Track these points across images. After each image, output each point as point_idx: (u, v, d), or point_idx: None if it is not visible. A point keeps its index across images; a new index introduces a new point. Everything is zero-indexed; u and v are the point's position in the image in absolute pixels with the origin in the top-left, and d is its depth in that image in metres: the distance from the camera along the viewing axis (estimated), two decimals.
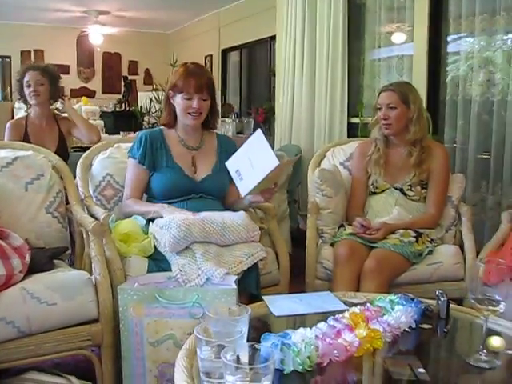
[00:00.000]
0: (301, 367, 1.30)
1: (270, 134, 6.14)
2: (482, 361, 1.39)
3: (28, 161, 2.34)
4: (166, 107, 2.37)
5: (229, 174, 2.20)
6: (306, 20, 4.49)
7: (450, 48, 3.73)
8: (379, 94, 2.61)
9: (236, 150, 2.40)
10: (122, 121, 7.47)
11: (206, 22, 8.65)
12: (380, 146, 2.63)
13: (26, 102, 3.20)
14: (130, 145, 2.65)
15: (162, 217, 2.15)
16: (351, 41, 4.27)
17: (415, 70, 3.78)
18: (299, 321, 1.71)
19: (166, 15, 8.61)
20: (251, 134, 2.20)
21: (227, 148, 2.42)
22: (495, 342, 1.55)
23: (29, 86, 3.12)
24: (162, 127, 2.42)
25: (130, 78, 9.37)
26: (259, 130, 2.12)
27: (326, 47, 4.30)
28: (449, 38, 3.71)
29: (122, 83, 9.40)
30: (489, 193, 3.50)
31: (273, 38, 6.87)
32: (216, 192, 2.32)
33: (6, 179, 2.27)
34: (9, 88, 8.94)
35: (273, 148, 4.93)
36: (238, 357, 1.11)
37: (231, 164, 2.16)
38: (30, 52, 9.34)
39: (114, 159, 2.55)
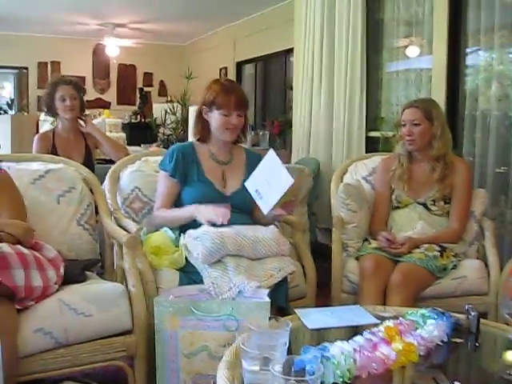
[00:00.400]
0: (341, 379, 1.34)
1: (285, 147, 6.19)
2: None
3: (60, 173, 2.40)
4: (199, 122, 2.41)
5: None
6: (325, 33, 4.53)
7: (469, 62, 3.75)
8: (403, 110, 2.65)
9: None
10: (138, 132, 7.58)
11: (221, 35, 8.75)
12: (403, 161, 2.67)
13: (53, 114, 3.26)
14: (157, 158, 2.71)
15: (194, 220, 2.19)
16: (369, 54, 4.31)
17: (434, 85, 3.81)
18: (324, 334, 1.73)
19: (182, 28, 8.71)
20: (267, 149, 2.26)
21: (255, 162, 2.45)
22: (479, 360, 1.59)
23: (63, 100, 3.17)
24: (193, 141, 2.46)
25: (145, 89, 9.50)
26: (271, 150, 2.18)
27: (345, 60, 4.34)
28: (467, 53, 3.73)
29: (138, 95, 9.52)
30: (508, 207, 3.51)
31: (288, 51, 6.95)
32: (245, 206, 2.35)
33: (38, 192, 2.32)
34: (26, 99, 9.07)
35: (289, 161, 4.96)
36: (287, 369, 1.14)
37: (250, 184, 2.21)
38: (46, 63, 9.46)
39: (141, 172, 2.60)
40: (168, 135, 8.30)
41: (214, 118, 2.33)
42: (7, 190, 2.10)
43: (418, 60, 4.16)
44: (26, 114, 7.51)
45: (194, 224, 2.22)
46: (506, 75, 3.54)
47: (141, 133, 7.67)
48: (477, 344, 1.67)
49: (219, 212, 2.12)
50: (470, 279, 2.43)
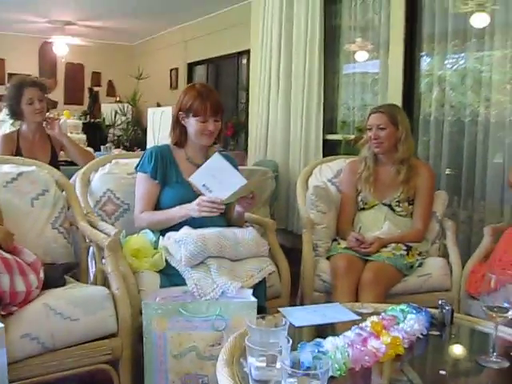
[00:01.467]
0: (338, 373, 1.41)
1: (237, 149, 6.24)
2: (492, 362, 1.53)
3: (32, 176, 2.37)
4: (177, 128, 2.43)
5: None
6: (283, 36, 4.60)
7: (423, 67, 3.92)
8: (369, 115, 2.76)
9: (237, 167, 2.50)
10: (88, 133, 7.43)
11: (172, 35, 8.71)
12: (370, 163, 2.78)
13: (20, 118, 3.16)
14: (127, 161, 2.72)
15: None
16: (327, 58, 4.42)
17: (390, 88, 3.95)
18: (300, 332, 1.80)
19: (131, 27, 8.61)
20: (221, 150, 2.35)
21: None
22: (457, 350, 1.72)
23: (31, 103, 3.07)
24: (169, 144, 2.48)
25: (94, 89, 9.34)
26: (217, 154, 2.23)
27: (303, 63, 4.43)
28: (422, 58, 3.89)
29: (87, 95, 9.33)
30: (460, 207, 3.70)
31: (240, 53, 7.03)
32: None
33: (11, 195, 2.29)
34: None
35: (245, 163, 4.98)
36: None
37: (196, 179, 2.23)
38: None
39: (113, 175, 2.60)
40: (118, 136, 8.21)
41: (191, 124, 2.36)
42: None
43: (373, 64, 4.31)
44: None
45: (173, 226, 2.24)
46: (457, 81, 3.72)
47: (91, 133, 7.53)
48: (453, 335, 1.79)
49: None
50: (434, 276, 2.56)
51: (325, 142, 4.44)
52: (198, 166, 2.41)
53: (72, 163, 3.44)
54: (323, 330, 1.78)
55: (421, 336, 1.70)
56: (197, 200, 2.22)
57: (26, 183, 2.34)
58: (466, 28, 3.57)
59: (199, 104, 2.31)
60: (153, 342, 1.82)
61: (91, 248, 2.33)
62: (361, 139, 3.79)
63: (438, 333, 1.77)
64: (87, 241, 2.34)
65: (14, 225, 2.16)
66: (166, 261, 2.16)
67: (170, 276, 2.14)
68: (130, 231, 2.37)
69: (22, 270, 1.85)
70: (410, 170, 2.72)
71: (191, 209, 2.22)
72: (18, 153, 3.03)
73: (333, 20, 4.53)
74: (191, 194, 2.32)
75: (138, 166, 2.43)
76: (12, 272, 1.78)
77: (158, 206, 2.39)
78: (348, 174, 2.86)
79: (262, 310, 2.07)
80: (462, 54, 3.63)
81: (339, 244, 2.65)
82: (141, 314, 2.03)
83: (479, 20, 3.52)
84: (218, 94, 2.44)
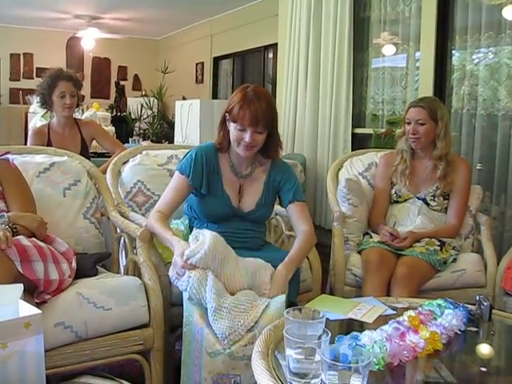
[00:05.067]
0: (377, 367, 1.38)
1: None
2: None
3: (64, 166, 2.38)
4: (222, 129, 2.19)
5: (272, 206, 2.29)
6: (311, 30, 4.56)
7: (455, 61, 3.84)
8: (408, 108, 2.69)
9: (290, 174, 2.29)
10: (115, 126, 7.47)
11: (197, 30, 8.70)
12: (406, 156, 2.72)
13: (47, 107, 3.19)
14: (157, 152, 2.71)
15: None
16: (355, 51, 4.35)
17: (421, 82, 3.89)
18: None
19: (157, 21, 8.61)
20: None
21: (276, 176, 2.26)
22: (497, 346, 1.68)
23: (63, 96, 3.09)
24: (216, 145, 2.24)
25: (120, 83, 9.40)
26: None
27: (331, 57, 4.38)
28: (454, 51, 3.82)
29: (114, 89, 9.41)
30: (492, 203, 3.62)
31: (267, 47, 7.00)
32: (256, 221, 2.28)
33: (44, 185, 2.30)
34: None
35: None
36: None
37: None
38: (19, 55, 9.29)
39: (144, 166, 2.59)
40: (144, 129, 8.25)
41: (231, 129, 2.12)
42: (18, 183, 2.08)
43: (403, 58, 4.24)
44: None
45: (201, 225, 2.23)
46: (489, 75, 3.64)
47: (117, 127, 7.57)
48: (493, 332, 1.74)
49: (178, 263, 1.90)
50: (468, 272, 2.51)
51: (353, 135, 4.39)
52: (241, 178, 2.24)
53: (101, 155, 3.46)
54: (351, 325, 1.76)
55: (459, 332, 1.67)
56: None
57: (59, 173, 2.35)
58: (500, 20, 3.49)
59: (239, 109, 2.05)
60: (192, 335, 1.79)
61: (122, 238, 2.33)
62: (391, 132, 3.75)
63: (475, 329, 1.74)
64: (118, 231, 2.34)
65: (46, 214, 2.16)
66: None
67: None
68: None
69: (56, 259, 1.85)
70: (447, 165, 2.65)
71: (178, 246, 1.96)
72: (48, 146, 3.06)
73: (362, 12, 4.46)
74: (227, 208, 2.20)
75: (179, 165, 2.23)
76: (46, 260, 1.78)
77: (192, 211, 2.29)
78: (383, 167, 2.81)
79: (292, 305, 2.04)
80: (495, 47, 3.55)
81: (371, 238, 2.61)
82: (171, 305, 2.05)
83: None
84: (269, 102, 2.09)
